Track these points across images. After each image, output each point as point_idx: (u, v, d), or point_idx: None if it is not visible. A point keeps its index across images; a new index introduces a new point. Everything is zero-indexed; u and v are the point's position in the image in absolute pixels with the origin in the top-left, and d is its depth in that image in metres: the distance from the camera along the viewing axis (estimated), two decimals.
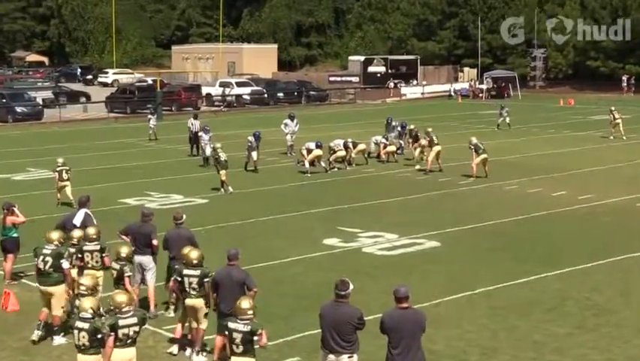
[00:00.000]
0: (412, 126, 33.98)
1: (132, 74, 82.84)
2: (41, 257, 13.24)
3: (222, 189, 26.12)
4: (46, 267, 13.17)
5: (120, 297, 10.42)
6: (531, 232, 20.40)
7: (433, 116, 48.09)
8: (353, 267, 16.99)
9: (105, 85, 79.53)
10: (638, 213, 22.54)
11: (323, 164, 29.69)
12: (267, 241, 19.74)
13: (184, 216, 14.49)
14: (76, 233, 14.11)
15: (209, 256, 12.63)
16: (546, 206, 23.33)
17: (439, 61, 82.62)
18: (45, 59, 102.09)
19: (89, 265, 13.63)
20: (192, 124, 34.89)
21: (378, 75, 75.37)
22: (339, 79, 76.85)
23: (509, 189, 26.26)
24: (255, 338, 10.02)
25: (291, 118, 35.14)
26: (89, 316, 10.19)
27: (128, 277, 13.05)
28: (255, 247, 18.81)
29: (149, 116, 41.72)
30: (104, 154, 35.89)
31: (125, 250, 13.31)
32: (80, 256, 13.68)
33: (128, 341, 10.21)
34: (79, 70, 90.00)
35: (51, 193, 24.57)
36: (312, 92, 68.14)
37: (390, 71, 76.30)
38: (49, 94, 60.14)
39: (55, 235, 13.48)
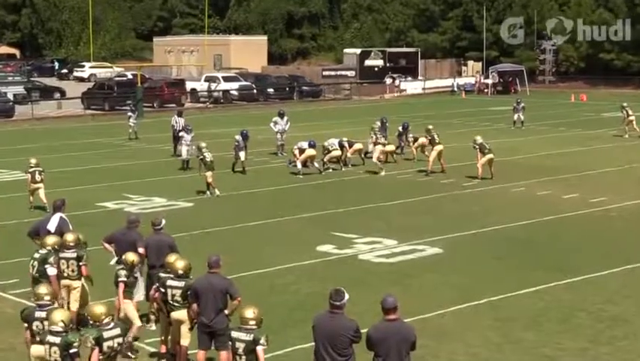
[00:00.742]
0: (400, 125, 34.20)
1: (110, 67, 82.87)
2: (31, 261, 13.47)
3: (208, 192, 26.11)
4: (34, 272, 13.35)
5: (99, 308, 10.42)
6: (540, 238, 20.42)
7: (434, 114, 48.17)
8: (349, 275, 16.99)
9: (81, 80, 79.45)
10: None
11: (316, 164, 29.71)
12: (256, 247, 19.73)
13: (163, 222, 14.47)
14: (50, 240, 14.04)
15: (193, 263, 12.60)
16: (556, 210, 23.37)
17: (441, 54, 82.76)
18: (16, 52, 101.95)
19: (65, 275, 13.60)
20: (176, 122, 34.86)
21: (376, 69, 75.45)
22: (333, 73, 76.91)
23: (516, 192, 26.30)
24: (259, 347, 10.11)
25: (281, 115, 35.15)
26: (60, 329, 10.17)
27: (123, 282, 12.94)
28: (243, 254, 18.80)
29: (129, 113, 41.70)
30: (81, 154, 35.85)
31: (131, 258, 13.16)
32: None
33: (112, 354, 10.22)
34: (56, 63, 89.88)
35: (23, 196, 24.52)
36: (304, 88, 68.25)
37: (388, 64, 76.37)
38: (20, 89, 60.04)
39: (52, 239, 13.60)
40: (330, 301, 10.04)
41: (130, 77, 67.14)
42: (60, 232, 14.77)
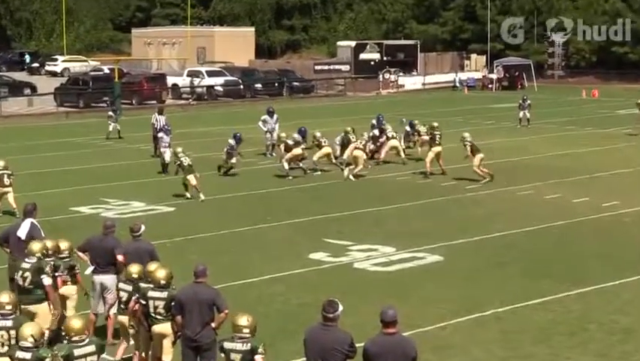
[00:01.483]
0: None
1: (86, 61, 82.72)
2: (20, 272, 13.25)
3: (188, 194, 26.12)
4: (26, 283, 13.18)
5: (75, 322, 10.41)
6: (548, 245, 20.49)
7: (434, 111, 48.27)
8: (343, 285, 17.01)
9: (54, 74, 79.27)
10: None
11: (302, 164, 29.61)
12: (244, 255, 19.75)
13: (142, 228, 14.48)
14: (36, 246, 13.91)
15: (175, 273, 12.62)
16: (565, 214, 23.44)
17: (441, 46, 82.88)
18: None
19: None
20: (157, 120, 34.80)
21: (372, 63, 75.51)
22: (326, 68, 77.00)
23: (523, 195, 26.37)
24: (257, 356, 10.16)
25: (270, 113, 35.19)
26: (30, 345, 10.16)
27: (137, 302, 12.84)
28: (229, 262, 18.82)
29: (110, 113, 41.57)
30: (53, 155, 35.82)
31: (135, 269, 13.11)
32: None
33: None
34: (26, 56, 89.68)
35: None
36: (295, 83, 68.30)
37: (385, 58, 76.44)
38: None
39: (37, 246, 13.54)
40: (323, 312, 10.06)
41: (106, 71, 67.06)
42: (31, 238, 14.75)
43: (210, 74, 65.47)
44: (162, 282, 12.21)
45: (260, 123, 35.18)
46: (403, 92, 69.89)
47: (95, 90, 57.48)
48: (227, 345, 10.34)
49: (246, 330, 10.31)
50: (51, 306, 13.18)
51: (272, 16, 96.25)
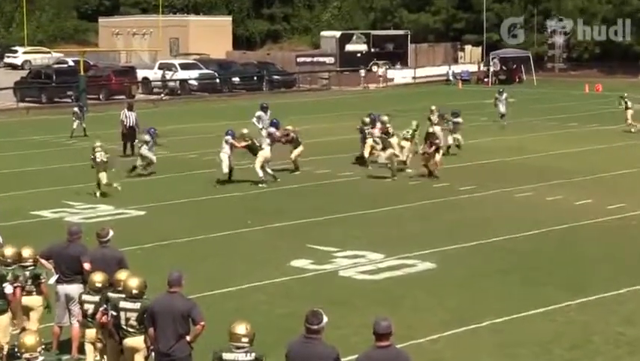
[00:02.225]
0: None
1: (48, 53, 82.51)
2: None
3: (98, 193, 26.50)
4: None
5: (28, 339, 10.39)
6: (549, 250, 20.56)
7: (425, 106, 48.24)
8: (328, 295, 17.03)
9: (14, 67, 79.15)
10: None
11: (270, 170, 28.79)
12: (222, 262, 19.74)
13: (111, 233, 14.43)
14: (8, 251, 13.89)
15: (147, 283, 12.58)
16: (567, 218, 23.52)
17: (434, 37, 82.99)
18: None
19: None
20: (126, 116, 34.81)
21: (359, 55, 75.58)
22: (309, 60, 76.98)
23: (522, 197, 26.44)
24: None
25: (264, 109, 35.29)
26: None
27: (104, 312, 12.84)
28: (206, 270, 18.79)
29: (75, 109, 41.35)
30: (13, 154, 35.73)
31: (99, 278, 13.08)
32: None
33: None
34: None
35: None
36: (275, 77, 68.33)
37: (373, 50, 76.52)
38: None
39: (10, 251, 13.54)
40: (306, 324, 10.06)
41: (71, 64, 66.89)
42: None
43: (184, 66, 65.39)
44: (135, 292, 12.15)
45: (254, 120, 35.00)
46: (392, 86, 69.99)
47: (58, 84, 57.32)
48: (227, 356, 10.27)
49: (245, 339, 10.30)
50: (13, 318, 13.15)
51: (251, 4, 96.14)
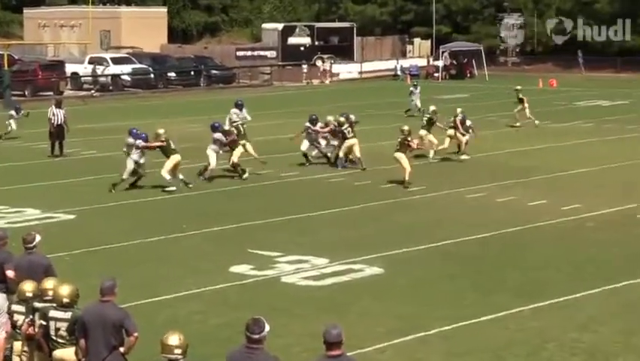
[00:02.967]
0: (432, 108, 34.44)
1: None
2: None
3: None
4: None
5: None
6: (501, 254, 20.72)
7: (372, 103, 48.53)
8: (269, 302, 17.04)
9: None
10: (638, 227, 23.07)
11: (181, 176, 28.16)
12: (156, 269, 19.67)
13: (37, 238, 14.33)
14: None
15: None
16: (520, 219, 23.72)
17: (381, 30, 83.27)
18: None
19: None
20: (54, 114, 34.56)
21: (302, 49, 75.65)
22: (249, 54, 76.93)
23: (473, 198, 26.63)
24: None
25: (239, 106, 35.45)
26: None
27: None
28: (139, 277, 18.71)
29: (12, 112, 40.75)
30: None
31: (29, 287, 12.95)
32: None
33: None
34: None
35: None
36: (213, 72, 68.28)
37: (317, 43, 76.64)
38: None
39: None
40: (247, 333, 10.06)
41: None
42: None
43: (116, 61, 65.05)
44: (66, 300, 12.08)
45: (229, 118, 34.55)
46: (337, 81, 70.11)
47: None
48: None
49: (178, 350, 10.29)
50: None
51: None
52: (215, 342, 14.35)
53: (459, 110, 33.88)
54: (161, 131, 28.73)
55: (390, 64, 74.98)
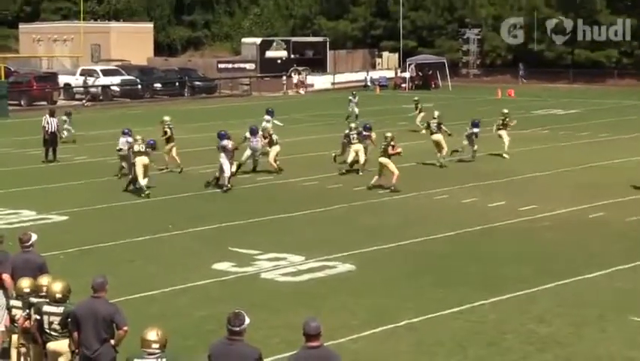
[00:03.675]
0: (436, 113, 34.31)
1: None
2: None
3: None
4: None
5: None
6: (464, 252, 20.80)
7: (343, 112, 48.49)
8: (249, 297, 17.04)
9: None
10: (590, 226, 23.23)
11: (143, 182, 27.23)
12: (144, 266, 19.63)
13: (33, 237, 14.29)
14: None
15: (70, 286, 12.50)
16: (481, 219, 23.83)
17: (352, 44, 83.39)
18: None
19: None
20: (48, 122, 34.43)
21: (279, 61, 75.64)
22: (230, 66, 76.82)
23: (438, 200, 26.73)
24: None
25: (270, 113, 35.92)
26: None
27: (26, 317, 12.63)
28: (127, 274, 18.67)
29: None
30: None
31: (26, 284, 12.88)
32: None
33: None
34: None
35: None
36: (196, 83, 68.19)
37: (293, 56, 76.65)
38: None
39: None
40: (229, 326, 10.06)
41: None
42: None
43: (106, 73, 64.90)
44: (58, 296, 12.06)
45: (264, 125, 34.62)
46: (312, 91, 70.12)
47: None
48: None
49: (155, 345, 10.22)
50: None
51: (171, 11, 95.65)
52: (200, 334, 14.36)
53: (437, 112, 34.01)
54: (167, 118, 29.21)
55: (361, 75, 75.08)
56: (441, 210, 25.29)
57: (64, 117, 39.27)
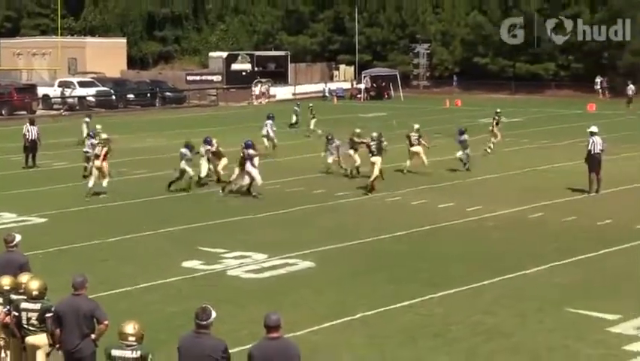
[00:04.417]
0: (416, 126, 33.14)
1: None
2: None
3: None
4: None
5: None
6: (415, 249, 20.87)
7: (304, 120, 48.48)
8: (216, 293, 17.01)
9: None
10: (530, 226, 23.39)
11: (89, 184, 27.56)
12: (117, 265, 19.53)
13: (17, 238, 14.18)
14: None
15: (48, 285, 12.40)
16: (431, 219, 23.93)
17: (311, 57, 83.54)
18: None
19: None
20: (28, 130, 34.21)
21: (243, 74, 75.59)
22: (198, 78, 76.71)
23: (391, 201, 26.80)
24: None
25: (271, 118, 37.11)
26: None
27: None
28: (102, 272, 18.55)
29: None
30: None
31: (7, 281, 12.71)
32: None
33: None
34: None
35: None
36: (167, 94, 68.06)
37: (256, 69, 76.63)
38: None
39: None
40: (196, 320, 10.04)
41: None
42: None
43: (82, 84, 64.63)
44: (35, 293, 11.99)
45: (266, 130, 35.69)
46: (274, 101, 70.09)
47: None
48: (115, 352, 10.17)
49: (132, 338, 10.19)
50: None
51: (144, 27, 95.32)
52: (170, 329, 14.30)
53: (416, 125, 33.28)
54: (100, 129, 28.93)
55: (320, 87, 75.17)
56: (393, 212, 25.37)
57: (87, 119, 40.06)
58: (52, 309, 11.82)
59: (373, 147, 28.79)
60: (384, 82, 73.65)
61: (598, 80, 69.80)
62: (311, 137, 42.33)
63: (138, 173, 32.48)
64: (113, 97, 64.24)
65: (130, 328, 10.22)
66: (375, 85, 73.58)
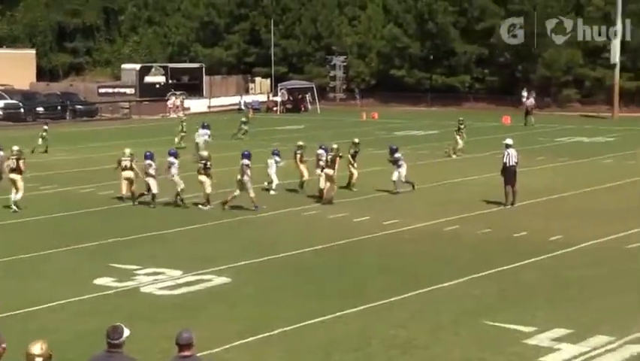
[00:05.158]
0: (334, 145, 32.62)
1: None
2: None
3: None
4: None
5: None
6: (332, 263, 20.95)
7: (220, 133, 48.44)
8: (129, 310, 16.86)
9: None
10: (446, 239, 23.66)
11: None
12: (26, 282, 19.21)
13: None
14: None
15: None
16: (348, 233, 24.05)
17: (227, 70, 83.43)
18: None
19: None
20: None
21: (157, 86, 75.14)
22: (110, 90, 76.00)
23: (309, 215, 26.89)
24: None
25: (206, 127, 38.11)
26: None
27: None
28: (9, 290, 18.27)
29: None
30: None
31: None
32: None
33: None
34: None
35: None
36: (78, 106, 67.32)
37: (170, 81, 76.24)
38: None
39: None
40: (108, 339, 9.91)
41: None
42: None
43: None
44: None
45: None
46: (189, 114, 69.69)
47: None
48: None
49: (39, 359, 9.99)
50: None
51: (54, 38, 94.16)
52: (81, 348, 14.09)
53: (356, 139, 33.23)
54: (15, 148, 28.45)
55: (235, 99, 75.15)
56: (311, 225, 25.45)
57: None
58: None
59: (328, 160, 29.42)
60: (301, 94, 73.97)
61: (524, 92, 65.92)
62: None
63: (48, 188, 32.02)
64: (22, 110, 63.28)
65: (37, 348, 10.02)
66: (291, 97, 73.83)
